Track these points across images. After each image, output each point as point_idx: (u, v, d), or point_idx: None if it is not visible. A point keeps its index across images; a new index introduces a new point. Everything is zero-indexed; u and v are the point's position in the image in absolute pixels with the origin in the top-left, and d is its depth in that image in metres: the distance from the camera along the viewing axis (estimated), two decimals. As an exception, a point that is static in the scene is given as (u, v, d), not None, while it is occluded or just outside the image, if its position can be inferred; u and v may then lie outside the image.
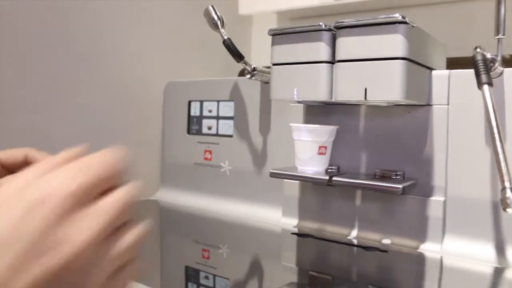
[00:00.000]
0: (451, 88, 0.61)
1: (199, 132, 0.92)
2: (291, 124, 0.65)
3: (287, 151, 0.75)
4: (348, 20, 0.55)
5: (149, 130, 1.00)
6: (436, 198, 0.62)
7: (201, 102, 0.92)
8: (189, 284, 0.50)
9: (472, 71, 0.55)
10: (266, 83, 0.80)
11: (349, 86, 0.56)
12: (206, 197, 0.88)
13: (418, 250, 0.61)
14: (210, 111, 0.90)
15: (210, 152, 0.89)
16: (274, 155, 0.79)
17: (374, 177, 0.62)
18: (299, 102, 0.70)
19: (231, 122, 0.86)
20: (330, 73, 0.58)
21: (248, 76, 0.76)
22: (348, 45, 0.56)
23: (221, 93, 0.88)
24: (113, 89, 0.91)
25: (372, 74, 0.54)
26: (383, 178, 0.61)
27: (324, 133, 0.63)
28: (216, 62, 1.09)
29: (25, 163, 0.34)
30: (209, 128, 0.90)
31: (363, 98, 0.55)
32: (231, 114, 0.86)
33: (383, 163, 0.65)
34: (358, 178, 0.60)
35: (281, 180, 0.75)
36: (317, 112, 0.71)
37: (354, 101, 0.59)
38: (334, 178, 0.60)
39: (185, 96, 0.94)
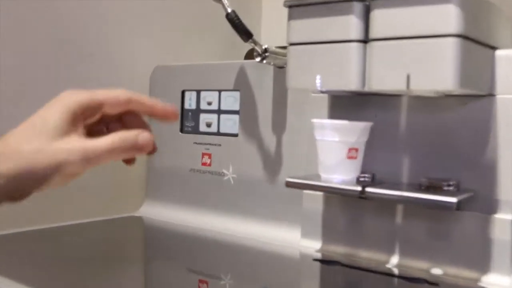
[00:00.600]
0: (520, 73, 0.60)
1: (195, 130, 0.91)
2: (313, 120, 0.65)
3: (308, 155, 0.74)
4: (386, -13, 0.55)
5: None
6: (502, 216, 0.60)
7: (198, 92, 0.91)
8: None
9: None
10: (280, 68, 0.79)
11: (387, 72, 0.55)
12: (204, 213, 0.88)
13: (480, 284, 0.60)
14: (209, 104, 0.90)
15: (210, 156, 0.89)
16: (290, 160, 0.79)
17: (419, 188, 0.61)
18: (322, 92, 0.69)
19: (236, 117, 0.86)
20: (362, 55, 0.57)
21: (258, 59, 0.76)
22: (385, 19, 0.55)
23: (224, 80, 0.88)
24: (82, 74, 0.91)
25: (417, 56, 0.53)
26: (431, 189, 0.60)
27: (354, 131, 0.63)
28: (218, 42, 1.09)
29: (126, 106, 0.45)
30: (208, 125, 0.90)
31: (405, 87, 0.54)
32: (236, 107, 0.86)
33: (432, 169, 0.64)
34: (399, 189, 0.59)
35: (300, 192, 0.74)
36: (346, 104, 0.71)
37: (394, 91, 0.58)
38: (367, 189, 0.60)
39: (177, 84, 0.94)
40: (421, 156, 0.65)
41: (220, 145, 0.88)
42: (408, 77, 0.54)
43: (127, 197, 0.99)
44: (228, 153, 0.86)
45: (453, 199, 0.55)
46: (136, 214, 0.94)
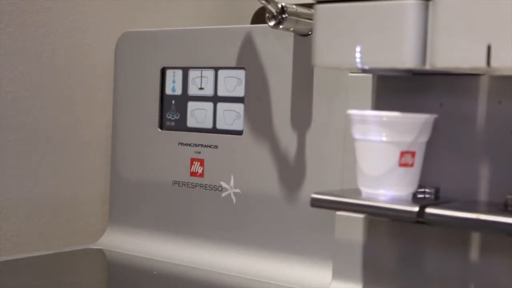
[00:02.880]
0: None
1: (181, 126, 0.92)
2: (350, 112, 0.65)
3: (342, 162, 0.75)
4: None
5: (88, 122, 1.01)
6: None
7: (185, 70, 0.92)
8: None
9: None
10: (304, 37, 0.80)
11: (457, 42, 0.55)
12: (194, 245, 0.88)
13: None
14: (201, 88, 0.90)
15: (202, 163, 0.89)
16: (317, 169, 0.79)
17: (504, 209, 0.61)
18: (364, 71, 0.70)
19: (239, 107, 0.86)
20: (422, 17, 0.58)
21: (272, 23, 0.76)
22: (456, -35, 0.55)
23: (222, 54, 0.88)
24: (20, 49, 0.92)
25: (500, 18, 0.54)
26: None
27: (410, 127, 0.63)
28: (213, -2, 1.09)
29: None
30: (200, 118, 0.90)
31: (484, 64, 0.54)
32: (239, 93, 0.87)
33: (522, 183, 0.64)
34: (474, 211, 0.59)
35: (331, 215, 0.75)
36: (398, 89, 0.71)
37: (468, 69, 0.58)
38: (428, 210, 0.60)
39: (155, 58, 0.95)
40: (507, 164, 0.65)
41: (216, 147, 0.88)
42: (488, 49, 0.54)
43: (81, 222, 0.99)
44: (229, 159, 0.87)
45: (553, 226, 0.55)
46: (95, 246, 0.95)
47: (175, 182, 0.91)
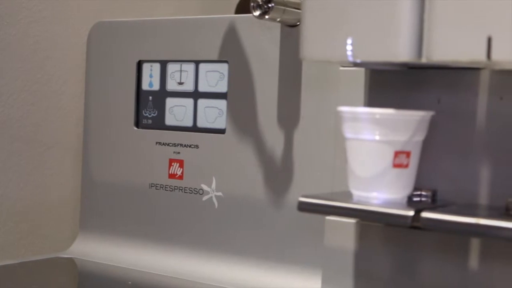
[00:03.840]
0: None
1: (158, 124, 0.92)
2: (341, 108, 0.65)
3: (332, 162, 0.75)
4: None
5: (57, 120, 1.00)
6: None
7: (163, 63, 0.92)
8: None
9: None
10: (292, 27, 0.80)
11: (455, 33, 0.56)
12: (173, 253, 0.88)
13: None
14: (180, 83, 0.90)
15: (181, 164, 0.89)
16: (305, 170, 0.80)
17: (506, 212, 0.61)
18: (356, 64, 0.70)
19: (222, 104, 0.87)
20: (418, 7, 0.58)
21: (257, 12, 0.76)
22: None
23: (203, 46, 0.88)
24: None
25: (502, 8, 0.54)
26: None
27: (405, 125, 0.63)
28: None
29: None
30: (180, 116, 0.91)
31: (484, 57, 0.55)
32: (222, 88, 0.87)
33: (524, 185, 0.64)
34: (474, 215, 0.59)
35: (320, 220, 0.75)
36: (392, 84, 0.71)
37: (467, 63, 0.58)
38: (424, 215, 0.60)
39: (130, 51, 0.95)
40: (509, 164, 0.65)
41: (197, 147, 0.88)
42: (489, 41, 0.54)
43: (50, 229, 0.99)
44: (210, 160, 0.87)
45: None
46: (64, 254, 0.95)
47: (152, 184, 0.91)
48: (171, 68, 0.91)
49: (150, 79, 0.93)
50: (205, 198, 0.87)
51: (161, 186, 0.91)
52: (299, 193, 0.69)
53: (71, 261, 0.92)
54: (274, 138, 0.82)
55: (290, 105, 0.81)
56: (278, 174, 0.82)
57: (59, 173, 1.00)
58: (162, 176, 0.91)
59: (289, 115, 0.81)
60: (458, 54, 0.57)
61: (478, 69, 0.67)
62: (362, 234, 0.73)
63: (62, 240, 0.98)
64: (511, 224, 0.57)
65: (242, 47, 0.85)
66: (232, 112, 0.86)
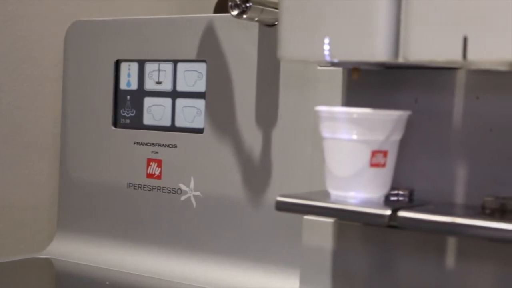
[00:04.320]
0: None
1: (136, 124, 0.92)
2: (318, 108, 0.65)
3: (310, 162, 0.75)
4: None
5: (35, 120, 1.00)
6: None
7: (141, 63, 0.92)
8: None
9: None
10: (270, 27, 0.80)
11: (432, 33, 0.56)
12: (151, 253, 0.88)
13: None
14: (158, 83, 0.90)
15: (159, 164, 0.89)
16: (283, 170, 0.80)
17: (482, 211, 0.62)
18: (333, 64, 0.70)
19: (200, 103, 0.87)
20: (395, 7, 0.58)
21: (235, 12, 0.76)
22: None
23: (182, 45, 0.88)
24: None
25: (478, 8, 0.54)
26: (500, 213, 0.61)
27: (382, 125, 0.63)
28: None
29: None
30: (158, 115, 0.90)
31: (460, 57, 0.55)
32: (200, 87, 0.87)
33: (501, 184, 0.64)
34: (450, 214, 0.60)
35: (299, 219, 0.75)
36: (369, 84, 0.71)
37: (443, 63, 0.59)
38: (401, 214, 0.60)
39: (108, 50, 0.94)
40: (485, 163, 0.66)
41: (175, 146, 0.88)
42: (465, 41, 0.55)
43: (27, 229, 0.98)
44: (188, 159, 0.87)
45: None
46: (42, 255, 0.94)
47: (130, 184, 0.91)
48: (149, 67, 0.91)
49: (128, 79, 0.93)
50: (183, 198, 0.87)
51: (139, 186, 0.90)
52: (277, 193, 0.69)
53: (48, 261, 0.92)
54: (252, 137, 0.82)
55: (268, 105, 0.81)
56: (256, 173, 0.82)
57: (37, 173, 0.99)
58: (140, 176, 0.90)
59: (267, 115, 0.81)
60: (434, 54, 0.57)
61: (454, 69, 0.67)
62: (340, 234, 0.73)
63: (39, 241, 0.97)
64: (486, 223, 0.57)
65: (220, 47, 0.85)
66: (210, 112, 0.85)
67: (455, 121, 0.68)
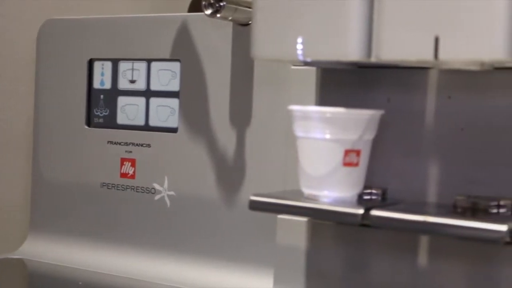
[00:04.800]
0: None
1: (110, 123, 0.91)
2: (292, 107, 0.65)
3: (284, 161, 0.75)
4: None
5: (7, 119, 0.99)
6: None
7: (115, 62, 0.91)
8: None
9: None
10: (244, 26, 0.80)
11: (404, 33, 0.56)
12: (124, 253, 0.88)
13: None
14: (132, 82, 0.90)
15: (133, 163, 0.89)
16: (257, 169, 0.80)
17: (454, 210, 0.62)
18: (307, 63, 0.70)
19: (174, 102, 0.86)
20: (367, 7, 0.58)
21: (209, 11, 0.76)
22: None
23: (155, 44, 0.88)
24: None
25: (449, 9, 0.55)
26: (472, 212, 0.61)
27: (355, 124, 0.63)
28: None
29: None
30: (131, 115, 0.90)
31: (431, 57, 0.55)
32: (174, 87, 0.87)
33: (473, 183, 0.65)
34: (423, 213, 0.60)
35: (272, 218, 0.75)
36: (342, 83, 0.72)
37: (414, 62, 0.59)
38: (374, 213, 0.60)
39: (81, 49, 0.94)
40: (457, 163, 0.66)
41: (149, 145, 0.88)
42: (436, 41, 0.55)
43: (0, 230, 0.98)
44: (162, 159, 0.87)
45: (503, 227, 0.56)
46: (14, 255, 0.93)
47: (104, 184, 0.91)
48: (123, 66, 0.90)
49: (102, 78, 0.92)
50: (157, 197, 0.87)
51: (113, 185, 0.90)
52: (251, 192, 0.69)
53: (21, 261, 0.91)
54: (226, 137, 0.82)
55: (242, 104, 0.81)
56: (230, 173, 0.82)
57: (9, 173, 0.99)
58: (113, 175, 0.90)
59: (241, 114, 0.81)
60: (406, 53, 0.57)
61: (426, 68, 0.67)
62: (313, 233, 0.73)
63: (12, 241, 0.96)
64: (458, 221, 0.58)
65: (194, 46, 0.84)
66: (184, 111, 0.85)
67: (427, 120, 0.68)
